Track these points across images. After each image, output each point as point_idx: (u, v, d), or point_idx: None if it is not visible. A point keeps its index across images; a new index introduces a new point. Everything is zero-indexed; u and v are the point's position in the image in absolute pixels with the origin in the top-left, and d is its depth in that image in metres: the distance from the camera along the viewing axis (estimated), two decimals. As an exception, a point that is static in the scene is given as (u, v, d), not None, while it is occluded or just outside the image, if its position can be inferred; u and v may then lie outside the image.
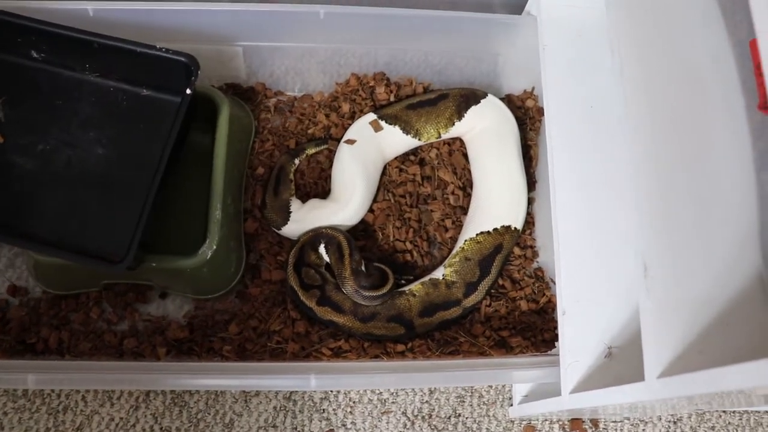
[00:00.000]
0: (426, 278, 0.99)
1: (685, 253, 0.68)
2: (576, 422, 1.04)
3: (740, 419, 1.07)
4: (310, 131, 1.09)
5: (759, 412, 1.08)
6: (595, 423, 1.05)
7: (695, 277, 0.67)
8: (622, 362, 0.84)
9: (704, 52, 0.75)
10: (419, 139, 1.05)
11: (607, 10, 0.78)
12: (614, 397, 0.73)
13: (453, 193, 1.06)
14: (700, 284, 0.67)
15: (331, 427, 1.00)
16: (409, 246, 1.04)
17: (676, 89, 0.74)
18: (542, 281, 1.04)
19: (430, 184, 1.07)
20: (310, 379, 0.85)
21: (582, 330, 0.86)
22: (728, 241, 0.69)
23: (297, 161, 1.06)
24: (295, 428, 1.00)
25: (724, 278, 0.68)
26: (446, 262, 1.00)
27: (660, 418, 1.06)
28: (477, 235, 1.00)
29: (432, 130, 1.05)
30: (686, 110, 0.72)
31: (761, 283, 0.68)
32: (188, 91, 0.93)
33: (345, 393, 1.02)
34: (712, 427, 1.06)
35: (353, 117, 1.08)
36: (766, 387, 0.51)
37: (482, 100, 1.05)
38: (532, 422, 1.04)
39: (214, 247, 0.94)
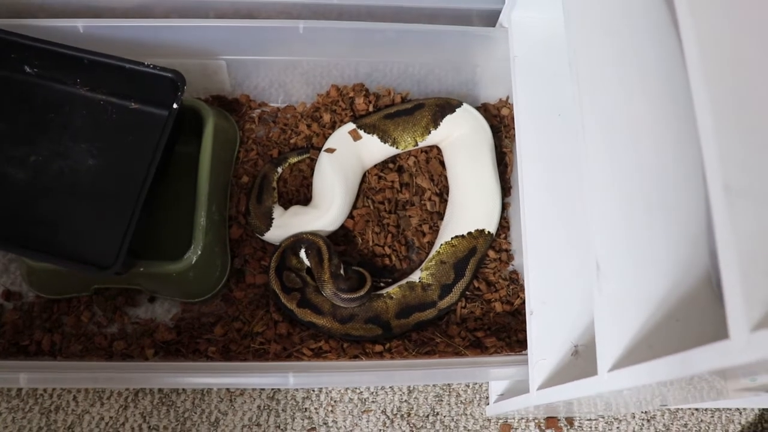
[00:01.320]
0: (403, 281, 1.03)
1: (637, 251, 0.71)
2: (551, 420, 1.08)
3: (712, 417, 1.10)
4: (292, 141, 1.13)
5: (730, 409, 1.11)
6: (570, 421, 1.08)
7: (646, 275, 0.70)
8: (588, 360, 0.88)
9: (658, 61, 0.79)
10: (397, 148, 1.10)
11: (565, 22, 0.82)
12: (573, 391, 0.76)
13: (430, 199, 1.10)
14: (650, 282, 0.70)
15: (313, 426, 1.04)
16: (387, 250, 1.07)
17: (630, 96, 0.77)
18: (516, 284, 1.07)
19: (408, 190, 1.11)
20: (288, 377, 0.89)
21: (549, 329, 0.89)
22: (678, 240, 0.72)
23: (280, 170, 1.10)
24: (278, 426, 1.04)
25: (673, 276, 0.71)
26: (423, 265, 1.04)
27: (633, 416, 1.10)
28: (452, 239, 1.04)
29: (409, 139, 1.09)
30: (639, 116, 0.76)
31: (709, 281, 0.71)
32: (175, 106, 0.97)
33: (326, 392, 1.06)
34: (685, 425, 1.09)
35: (334, 127, 1.12)
36: (706, 371, 0.54)
37: (457, 109, 1.09)
38: (509, 421, 1.07)
39: (199, 252, 0.98)
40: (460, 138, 1.09)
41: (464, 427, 1.06)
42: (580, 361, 0.89)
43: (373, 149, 1.09)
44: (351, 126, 1.08)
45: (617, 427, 1.09)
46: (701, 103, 0.51)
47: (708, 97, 0.51)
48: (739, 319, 0.45)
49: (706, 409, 1.10)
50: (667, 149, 0.75)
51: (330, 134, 1.10)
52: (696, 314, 0.70)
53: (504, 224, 1.10)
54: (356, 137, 1.08)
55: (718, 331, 0.69)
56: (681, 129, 0.76)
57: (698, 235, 0.73)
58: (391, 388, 1.07)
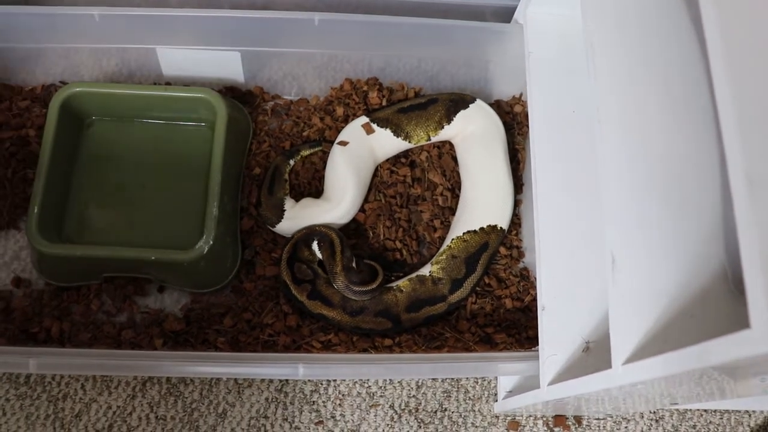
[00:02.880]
0: (413, 275, 1.03)
1: (652, 246, 0.71)
2: (560, 419, 1.07)
3: (721, 418, 1.09)
4: (305, 133, 1.13)
5: (739, 411, 1.10)
6: (578, 420, 1.08)
7: (662, 270, 0.70)
8: (598, 356, 0.87)
9: (676, 57, 0.79)
10: (409, 142, 1.09)
11: (583, 18, 0.82)
12: (585, 385, 0.76)
13: (442, 194, 1.09)
14: (666, 277, 0.70)
15: (321, 419, 1.04)
16: (398, 245, 1.07)
17: (648, 93, 0.77)
18: (527, 280, 1.07)
19: (420, 185, 1.10)
20: (298, 367, 0.89)
21: (560, 325, 0.89)
22: (694, 235, 0.72)
23: (292, 162, 1.10)
24: (286, 419, 1.03)
25: (690, 272, 0.71)
26: (433, 259, 1.04)
27: (642, 416, 1.09)
28: (464, 233, 1.03)
29: (422, 133, 1.09)
30: (657, 112, 0.76)
31: (725, 277, 0.71)
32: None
33: (334, 386, 1.05)
34: (694, 426, 1.09)
35: (347, 120, 1.12)
36: (722, 364, 0.54)
37: (471, 105, 1.09)
38: (517, 418, 1.07)
39: (211, 242, 0.98)
40: (473, 134, 1.09)
41: (472, 423, 1.06)
42: (591, 357, 0.88)
43: (386, 143, 1.08)
44: (364, 119, 1.08)
45: (625, 427, 1.08)
46: (723, 95, 0.51)
47: (730, 89, 0.51)
48: (760, 308, 0.45)
49: (715, 411, 1.10)
50: (684, 144, 0.75)
51: (343, 127, 1.10)
52: (711, 310, 0.69)
53: (515, 221, 1.10)
54: (369, 131, 1.08)
55: (734, 327, 0.69)
56: (698, 123, 0.75)
57: (714, 230, 0.72)
58: (400, 382, 1.06)
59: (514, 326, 1.04)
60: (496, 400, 1.07)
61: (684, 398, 0.97)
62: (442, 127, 1.09)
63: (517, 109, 1.15)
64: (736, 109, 0.51)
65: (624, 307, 0.69)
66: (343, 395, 1.05)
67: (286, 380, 1.04)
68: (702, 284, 0.71)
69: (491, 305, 1.05)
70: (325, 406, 1.04)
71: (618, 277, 0.70)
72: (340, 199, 1.04)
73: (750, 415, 1.10)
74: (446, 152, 1.12)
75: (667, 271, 0.70)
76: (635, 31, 0.80)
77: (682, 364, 0.56)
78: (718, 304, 0.70)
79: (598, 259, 0.91)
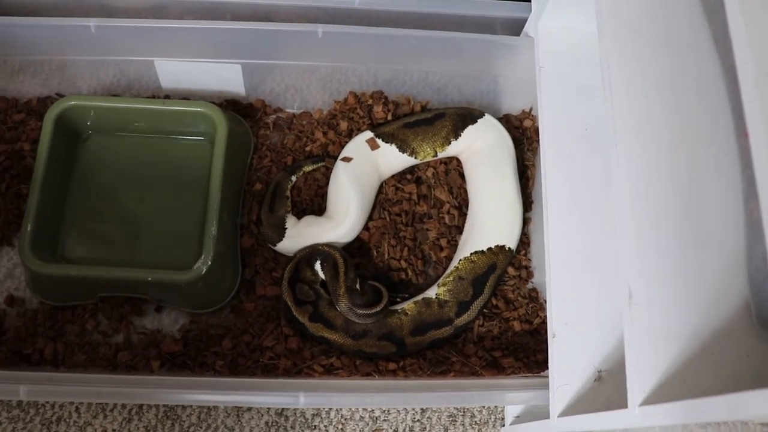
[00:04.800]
0: (419, 297, 0.99)
1: (672, 280, 0.67)
2: (569, 444, 1.04)
3: (735, 445, 1.06)
4: (307, 148, 1.09)
5: (755, 437, 1.07)
6: (588, 445, 1.04)
7: (681, 305, 0.67)
8: (612, 386, 0.84)
9: (695, 77, 0.75)
10: (415, 158, 1.06)
11: (599, 35, 0.78)
12: (599, 422, 0.73)
13: (449, 212, 1.06)
14: (686, 312, 0.66)
15: (322, 444, 1.01)
16: (404, 264, 1.04)
17: (667, 115, 0.74)
18: (536, 302, 1.03)
19: (426, 202, 1.07)
20: (299, 396, 0.85)
21: (572, 353, 0.85)
22: (715, 269, 0.68)
23: (294, 178, 1.07)
24: (286, 444, 1.00)
25: (710, 307, 0.67)
26: (440, 281, 1.00)
27: (654, 442, 1.05)
28: (471, 254, 1.00)
29: (428, 149, 1.06)
30: (675, 136, 0.72)
31: (748, 313, 0.67)
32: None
33: (337, 410, 1.02)
34: (707, 453, 1.05)
35: (351, 135, 1.08)
36: (757, 417, 0.51)
37: (479, 120, 1.06)
38: (525, 443, 1.03)
39: (210, 262, 0.95)
40: (482, 150, 1.05)
41: (478, 449, 1.02)
42: (603, 387, 0.85)
43: (391, 159, 1.05)
44: (369, 134, 1.05)
45: (637, 453, 1.05)
46: (754, 117, 0.48)
47: (762, 113, 0.47)
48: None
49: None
50: (705, 169, 0.71)
51: (347, 142, 1.06)
52: (732, 348, 0.66)
53: (524, 240, 1.06)
54: (374, 146, 1.04)
55: (758, 366, 0.65)
56: (720, 146, 0.72)
57: (737, 261, 0.69)
58: (404, 407, 1.03)
59: (523, 350, 1.00)
60: (503, 425, 1.04)
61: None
62: (450, 143, 1.06)
63: (527, 124, 1.11)
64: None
65: (641, 345, 0.65)
66: (345, 419, 1.02)
67: (287, 405, 1.01)
68: (723, 320, 0.67)
69: (499, 328, 1.02)
70: (326, 431, 1.01)
71: (635, 313, 0.66)
72: (344, 217, 1.01)
73: None
74: (453, 169, 1.09)
75: (687, 306, 0.67)
76: (654, 47, 0.77)
77: (708, 415, 0.52)
78: (740, 341, 0.66)
79: (611, 282, 0.88)
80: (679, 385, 0.64)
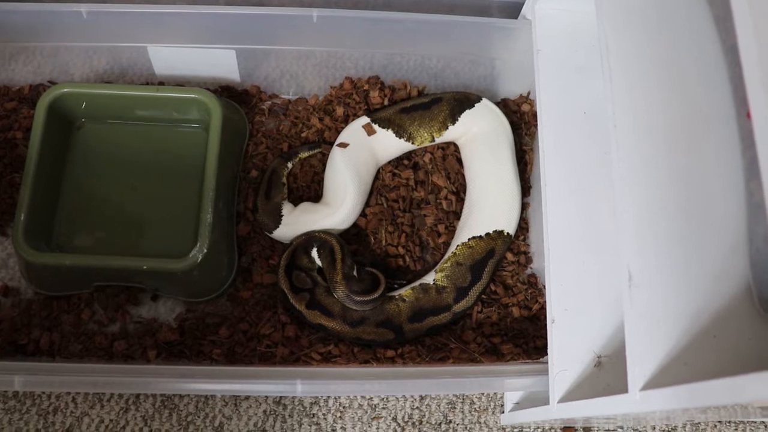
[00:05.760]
0: (416, 283, 0.99)
1: (672, 261, 0.67)
2: (569, 430, 1.03)
3: (735, 430, 1.05)
4: (303, 135, 1.08)
5: (755, 422, 1.06)
6: (587, 431, 1.04)
7: (682, 287, 0.66)
8: (611, 371, 0.83)
9: (695, 58, 0.74)
10: (412, 143, 1.05)
11: (598, 17, 0.77)
12: (600, 408, 0.72)
13: (446, 198, 1.05)
14: (686, 294, 0.66)
15: (321, 432, 1.00)
16: (401, 251, 1.03)
17: (666, 97, 0.72)
18: (535, 288, 1.03)
19: (423, 188, 1.06)
20: (296, 384, 0.85)
21: (571, 338, 0.85)
22: (716, 250, 0.68)
23: (290, 165, 1.06)
24: (285, 433, 1.00)
25: (711, 288, 0.67)
26: (438, 267, 1.00)
27: (654, 428, 1.05)
28: (469, 239, 0.99)
29: (425, 134, 1.05)
30: (675, 118, 0.71)
31: (749, 294, 0.67)
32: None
33: (335, 398, 1.01)
34: (708, 437, 1.05)
35: (347, 121, 1.07)
36: (758, 400, 0.50)
37: (476, 104, 1.05)
38: (524, 430, 1.03)
39: (205, 250, 0.94)
40: (479, 134, 1.04)
41: (478, 436, 1.02)
42: (604, 372, 0.84)
43: (388, 145, 1.04)
44: (365, 120, 1.04)
45: (637, 439, 1.04)
46: (757, 98, 0.46)
47: (766, 97, 0.46)
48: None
49: (729, 422, 1.06)
50: (705, 150, 0.70)
51: (343, 128, 1.05)
52: (734, 330, 0.65)
53: (523, 225, 1.05)
54: (370, 132, 1.03)
55: (760, 348, 0.65)
56: (721, 128, 0.71)
57: (738, 245, 0.68)
58: (403, 394, 1.02)
59: (522, 336, 0.99)
60: (503, 412, 1.03)
61: (700, 419, 0.94)
62: (447, 128, 1.05)
63: (525, 108, 1.10)
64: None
65: (641, 328, 0.64)
66: (344, 407, 1.01)
67: (285, 393, 1.01)
68: (724, 302, 0.66)
69: (498, 314, 1.01)
70: (325, 419, 1.01)
71: (635, 295, 0.66)
72: (340, 203, 1.00)
73: (766, 426, 1.06)
74: (451, 154, 1.08)
75: (687, 288, 0.66)
76: (652, 32, 0.76)
77: (710, 398, 0.51)
78: (742, 323, 0.66)
79: (610, 267, 0.87)
80: (680, 368, 0.63)
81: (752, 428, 1.06)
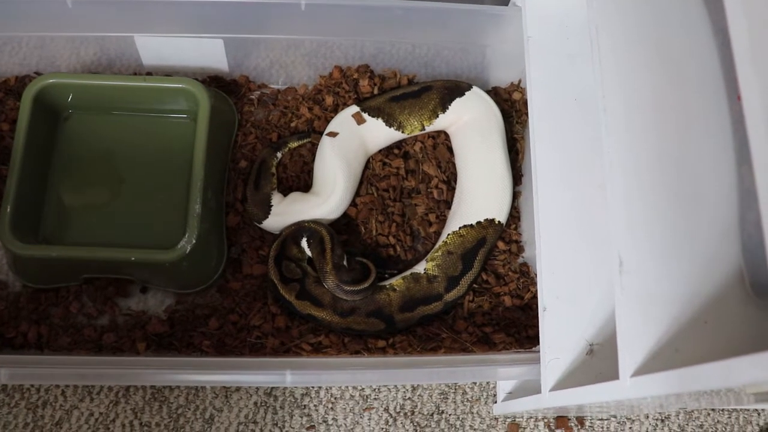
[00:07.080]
0: (407, 272, 0.98)
1: (663, 247, 0.66)
2: (561, 420, 1.03)
3: (729, 417, 1.05)
4: (293, 124, 1.07)
5: (748, 410, 1.06)
6: (580, 421, 1.04)
7: (673, 273, 0.65)
8: (604, 359, 0.83)
9: (686, 41, 0.73)
10: (403, 132, 1.04)
11: (588, 1, 0.76)
12: (591, 395, 0.71)
13: (437, 186, 1.04)
14: (678, 280, 0.65)
15: (312, 423, 0.99)
16: (392, 240, 1.02)
17: (657, 81, 0.72)
18: (527, 277, 1.02)
19: (414, 177, 1.05)
20: (285, 375, 0.84)
21: (563, 327, 0.84)
22: (708, 235, 0.67)
23: (279, 155, 1.05)
24: (276, 424, 0.99)
25: (703, 274, 0.66)
26: (428, 256, 0.99)
27: (647, 416, 1.05)
28: (460, 228, 0.98)
29: (415, 123, 1.04)
30: (666, 102, 0.71)
31: (741, 279, 0.66)
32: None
33: (326, 389, 1.01)
34: (701, 425, 1.05)
35: (337, 110, 1.06)
36: (749, 385, 0.50)
37: (467, 92, 1.04)
38: (517, 420, 1.02)
39: (194, 241, 0.93)
40: (470, 123, 1.03)
41: (470, 426, 1.01)
42: (596, 360, 0.84)
43: (378, 133, 1.03)
44: (355, 109, 1.03)
45: (630, 428, 1.04)
46: (748, 84, 0.46)
47: (757, 79, 0.45)
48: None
49: (723, 410, 1.06)
50: (697, 134, 0.70)
51: (332, 117, 1.04)
52: (726, 316, 0.65)
53: (514, 214, 1.05)
54: (360, 121, 1.02)
55: (752, 335, 0.64)
56: (713, 112, 0.70)
57: (729, 230, 0.68)
58: (395, 385, 1.02)
59: (514, 325, 0.99)
60: (495, 402, 1.03)
61: (692, 405, 0.93)
62: (437, 116, 1.04)
63: (516, 96, 1.09)
64: (762, 97, 0.45)
65: (632, 314, 0.64)
66: (335, 398, 1.01)
67: (276, 384, 1.00)
68: (716, 287, 0.66)
69: (489, 303, 1.00)
70: (316, 410, 1.00)
71: (626, 281, 0.65)
72: (330, 193, 0.99)
73: (759, 414, 1.06)
74: (441, 142, 1.07)
75: (679, 273, 0.66)
76: (643, 12, 0.75)
77: (700, 383, 0.51)
78: (734, 309, 0.65)
79: (602, 255, 0.87)
80: (672, 354, 0.62)
81: (746, 416, 1.05)
